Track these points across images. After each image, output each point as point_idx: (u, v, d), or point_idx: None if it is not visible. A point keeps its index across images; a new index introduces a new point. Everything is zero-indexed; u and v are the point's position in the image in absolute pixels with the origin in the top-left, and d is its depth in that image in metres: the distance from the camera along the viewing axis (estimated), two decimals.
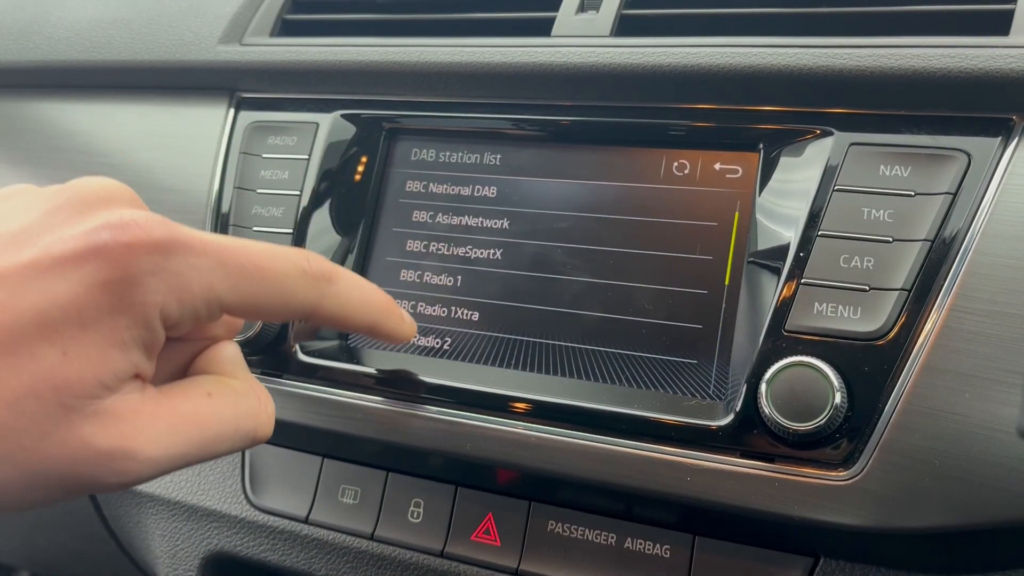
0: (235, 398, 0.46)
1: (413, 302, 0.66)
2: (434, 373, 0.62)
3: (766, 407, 0.51)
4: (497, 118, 0.66)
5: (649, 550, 0.57)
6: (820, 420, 0.50)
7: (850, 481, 0.50)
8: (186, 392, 0.44)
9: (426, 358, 0.64)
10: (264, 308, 0.45)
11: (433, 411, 0.60)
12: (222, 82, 0.76)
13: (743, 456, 0.53)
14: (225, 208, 0.71)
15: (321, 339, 0.66)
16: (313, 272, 0.47)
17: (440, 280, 0.66)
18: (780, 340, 0.53)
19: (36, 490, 0.39)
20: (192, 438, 0.43)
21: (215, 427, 0.44)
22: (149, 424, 0.41)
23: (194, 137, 0.75)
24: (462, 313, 0.64)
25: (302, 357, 0.64)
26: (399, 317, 0.55)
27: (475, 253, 0.65)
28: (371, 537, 0.63)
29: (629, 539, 0.57)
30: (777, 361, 0.52)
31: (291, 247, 0.50)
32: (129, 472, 0.40)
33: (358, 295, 0.51)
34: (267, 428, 0.48)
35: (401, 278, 0.67)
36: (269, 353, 0.65)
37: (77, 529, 0.81)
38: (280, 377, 0.64)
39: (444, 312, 0.65)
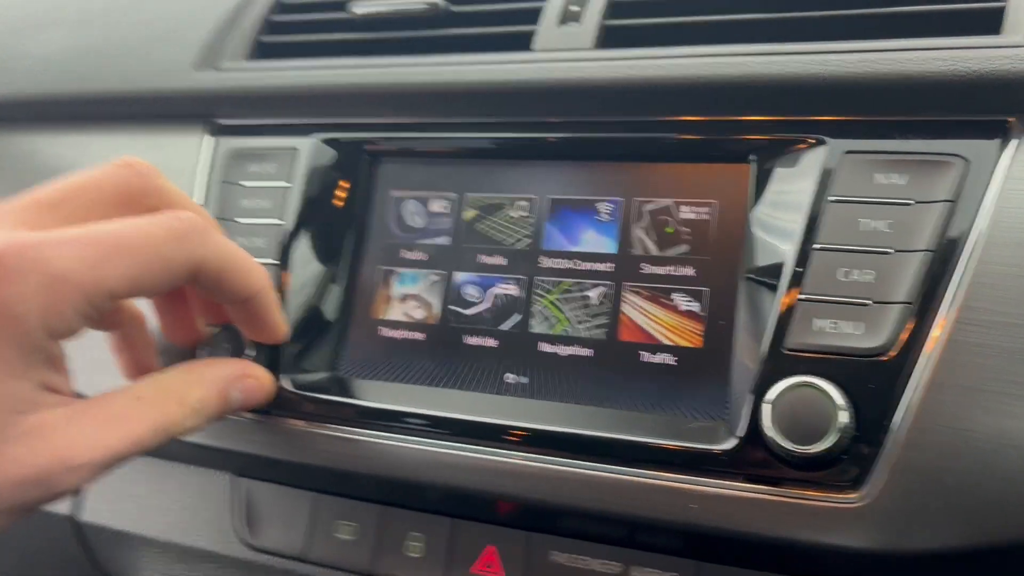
0: (163, 396, 0.49)
1: (402, 331, 0.64)
2: (425, 402, 0.60)
3: (769, 430, 0.50)
4: (481, 137, 0.65)
5: None
6: (826, 442, 0.48)
7: (859, 503, 0.48)
8: (115, 395, 0.47)
9: (417, 386, 0.62)
10: (148, 281, 0.46)
11: (427, 443, 0.58)
12: (199, 109, 0.74)
13: (748, 480, 0.51)
14: None
15: (309, 371, 0.64)
16: (184, 228, 0.48)
17: (429, 305, 0.64)
18: (781, 359, 0.51)
19: None
20: (125, 436, 0.45)
21: (145, 424, 0.47)
22: (78, 430, 0.43)
23: (173, 167, 0.73)
24: (452, 339, 0.63)
25: (291, 390, 0.63)
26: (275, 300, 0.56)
27: (463, 276, 0.64)
28: (368, 574, 0.61)
29: (635, 568, 0.56)
30: (779, 381, 0.50)
31: (158, 214, 0.49)
32: (70, 479, 0.43)
33: (235, 250, 0.51)
34: (223, 398, 0.52)
35: (389, 303, 0.65)
36: None
37: (70, 574, 0.80)
38: (268, 414, 0.63)
39: (434, 338, 0.63)
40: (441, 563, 0.60)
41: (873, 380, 0.49)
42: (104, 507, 0.72)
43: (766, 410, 0.50)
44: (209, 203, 0.70)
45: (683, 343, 0.57)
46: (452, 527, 0.60)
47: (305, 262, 0.66)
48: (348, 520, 0.63)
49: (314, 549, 0.63)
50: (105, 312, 0.46)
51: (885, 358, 0.49)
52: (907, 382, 0.49)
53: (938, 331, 0.49)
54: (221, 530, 0.67)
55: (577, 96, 0.61)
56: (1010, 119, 0.52)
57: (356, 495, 0.63)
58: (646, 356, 0.58)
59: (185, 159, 0.72)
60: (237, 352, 0.61)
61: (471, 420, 0.58)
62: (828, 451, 0.48)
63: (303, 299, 0.65)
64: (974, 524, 0.47)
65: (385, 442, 0.59)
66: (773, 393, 0.50)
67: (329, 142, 0.68)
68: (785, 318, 0.52)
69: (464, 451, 0.57)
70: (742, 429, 0.51)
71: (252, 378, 0.56)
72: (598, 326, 0.60)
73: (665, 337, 0.58)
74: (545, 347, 0.61)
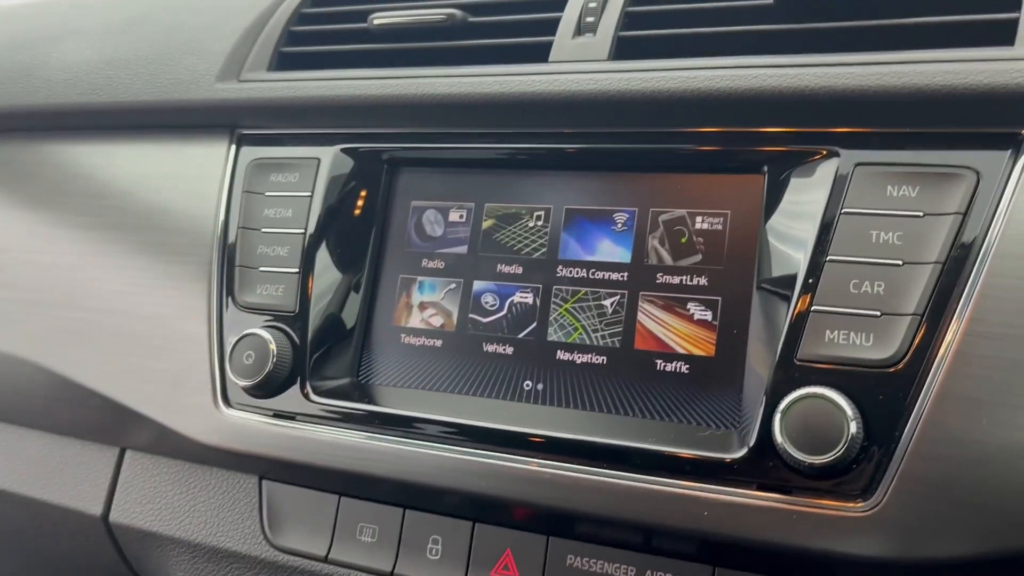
0: None
1: (421, 338, 0.66)
2: (444, 409, 0.62)
3: (780, 440, 0.51)
4: (498, 147, 0.66)
5: None
6: (836, 452, 0.49)
7: (869, 512, 0.49)
8: None
9: (437, 393, 0.64)
10: None
11: (446, 449, 0.60)
12: (222, 119, 0.75)
13: (759, 489, 0.52)
14: (231, 249, 0.71)
15: (331, 377, 0.66)
16: None
17: (448, 313, 0.65)
18: (792, 370, 0.52)
19: None
20: None
21: None
22: None
23: (196, 176, 0.75)
24: (471, 347, 0.64)
25: (314, 398, 0.64)
26: None
27: (481, 285, 0.65)
28: (391, 575, 0.63)
29: (649, 573, 0.57)
30: (790, 392, 0.51)
31: None
32: None
33: None
34: None
35: (409, 311, 0.66)
36: (280, 395, 0.65)
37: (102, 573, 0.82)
38: (293, 419, 0.64)
39: (453, 345, 0.65)
40: (462, 566, 0.61)
41: (883, 391, 0.50)
42: (134, 508, 0.74)
43: (777, 420, 0.51)
44: (232, 212, 0.72)
45: (697, 352, 0.58)
46: (472, 531, 0.61)
47: (326, 270, 0.68)
48: (370, 523, 0.65)
49: (337, 551, 0.65)
50: None
51: (895, 369, 0.50)
52: (917, 393, 0.50)
53: (947, 343, 0.50)
54: (247, 531, 0.69)
55: (593, 108, 0.62)
56: (1022, 131, 0.52)
57: (378, 499, 0.65)
58: (660, 364, 0.59)
59: (209, 169, 0.74)
60: (262, 359, 0.63)
61: (489, 427, 0.59)
62: (838, 461, 0.49)
63: (325, 306, 0.67)
64: (982, 534, 0.48)
65: (405, 447, 0.61)
66: (784, 403, 0.51)
67: (349, 152, 0.70)
68: (797, 328, 0.53)
69: (482, 457, 0.58)
70: (753, 438, 0.52)
71: None
72: (613, 334, 0.61)
73: (679, 346, 0.59)
74: (561, 355, 0.62)
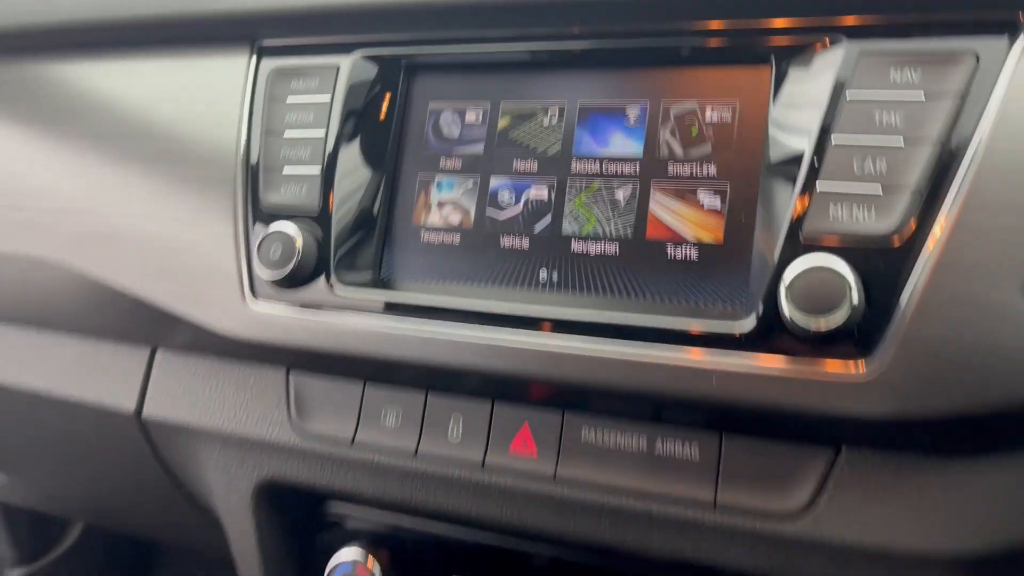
0: None
1: (440, 235, 0.68)
2: (464, 297, 0.65)
3: (786, 309, 0.54)
4: (513, 48, 0.68)
5: (679, 453, 0.60)
6: (838, 318, 0.52)
7: (869, 374, 0.52)
8: None
9: (456, 285, 0.67)
10: None
11: (466, 331, 0.63)
12: (243, 31, 0.77)
13: (765, 357, 0.55)
14: (254, 153, 0.73)
15: (355, 273, 0.69)
16: None
17: (466, 210, 0.68)
18: (798, 246, 0.55)
19: None
20: None
21: None
22: None
23: (218, 87, 0.77)
24: (488, 242, 0.67)
25: (338, 289, 0.67)
26: None
27: (498, 182, 0.68)
28: (414, 455, 0.67)
29: (660, 441, 0.60)
30: (796, 266, 0.54)
31: None
32: None
33: None
34: None
35: (428, 209, 0.69)
36: (307, 287, 0.68)
37: (135, 473, 0.86)
38: (319, 309, 0.67)
39: (471, 241, 0.67)
40: (482, 441, 0.65)
41: (884, 261, 0.53)
42: (166, 404, 0.77)
43: (783, 291, 0.54)
44: (255, 120, 0.74)
45: (706, 238, 0.61)
46: (491, 408, 0.65)
47: (348, 172, 0.70)
48: (394, 407, 0.68)
49: (363, 434, 0.68)
50: None
51: (895, 241, 0.53)
52: (916, 262, 0.53)
53: (946, 215, 0.52)
54: (276, 420, 0.72)
55: (604, 5, 0.64)
56: (1019, 16, 0.54)
57: (401, 383, 0.68)
58: (671, 252, 0.62)
59: (231, 78, 0.76)
60: (288, 253, 0.66)
61: (506, 309, 0.62)
62: (840, 326, 0.52)
63: (347, 206, 0.70)
64: (979, 390, 0.51)
65: (426, 332, 0.64)
66: (790, 275, 0.54)
67: (369, 58, 0.72)
68: (802, 207, 0.56)
69: (500, 337, 0.61)
70: (761, 310, 0.55)
71: None
72: (625, 224, 0.64)
73: (690, 233, 0.61)
74: (576, 246, 0.65)
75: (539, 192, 0.67)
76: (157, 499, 0.87)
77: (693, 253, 0.62)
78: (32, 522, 1.43)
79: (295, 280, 0.67)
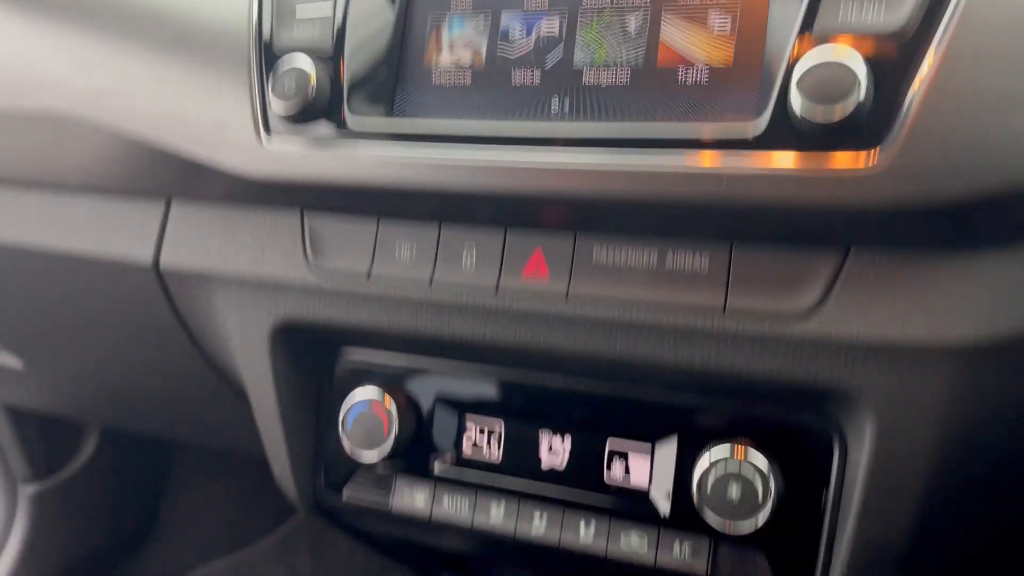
0: None
1: (453, 73, 0.69)
2: (477, 126, 0.65)
3: (797, 107, 0.54)
4: None
5: (690, 265, 0.61)
6: (848, 106, 0.53)
7: (879, 165, 0.53)
8: None
9: (467, 118, 0.67)
10: None
11: (479, 154, 0.63)
12: None
13: (776, 157, 0.56)
14: None
15: (368, 109, 0.69)
16: None
17: (478, 47, 0.68)
18: (808, 43, 0.56)
19: None
20: None
21: None
22: None
23: None
24: (500, 78, 0.67)
25: (351, 123, 0.68)
26: None
27: (508, 17, 0.68)
28: (429, 285, 0.68)
29: (671, 255, 0.61)
30: (806, 61, 0.55)
31: None
32: None
33: None
34: None
35: (439, 49, 0.70)
36: (321, 121, 0.69)
37: (153, 337, 0.87)
38: (333, 142, 0.68)
39: (483, 77, 0.68)
40: (495, 267, 0.66)
41: (893, 54, 0.54)
42: (182, 253, 0.78)
43: (794, 86, 0.54)
44: None
45: (717, 61, 0.61)
46: (504, 235, 0.66)
47: (360, 13, 0.71)
48: (408, 240, 0.69)
49: (379, 267, 0.70)
50: None
51: (905, 34, 0.54)
52: (925, 53, 0.53)
53: (955, 7, 0.53)
54: (291, 260, 0.73)
55: None
56: None
57: (415, 216, 0.69)
58: (682, 76, 0.62)
59: None
60: (302, 87, 0.67)
61: (518, 132, 0.63)
62: (850, 117, 0.53)
63: (359, 47, 0.70)
64: (983, 176, 0.52)
65: (439, 158, 0.64)
66: (799, 70, 0.54)
67: None
68: (812, 11, 0.56)
69: (512, 158, 0.62)
70: (771, 111, 0.56)
71: None
72: (637, 51, 0.64)
73: (701, 57, 0.62)
74: (588, 77, 0.65)
75: (550, 24, 0.67)
76: (175, 362, 0.88)
77: (704, 76, 0.62)
78: (45, 436, 1.44)
79: (309, 114, 0.68)
